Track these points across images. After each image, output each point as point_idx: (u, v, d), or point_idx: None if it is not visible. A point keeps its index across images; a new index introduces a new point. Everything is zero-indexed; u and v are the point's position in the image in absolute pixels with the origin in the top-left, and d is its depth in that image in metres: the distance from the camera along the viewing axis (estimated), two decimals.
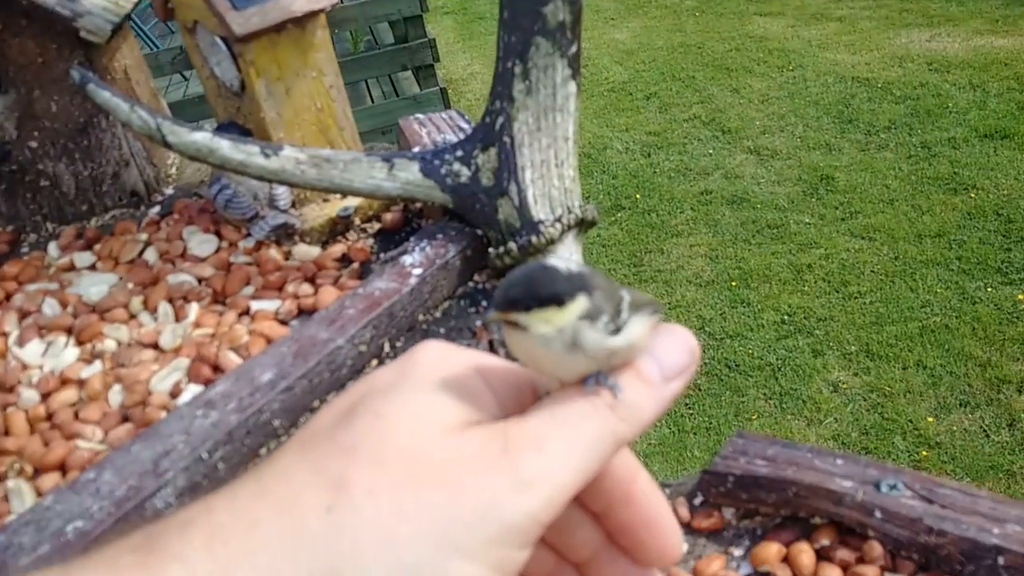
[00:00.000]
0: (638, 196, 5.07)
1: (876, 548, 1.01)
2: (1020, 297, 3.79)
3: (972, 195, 4.52)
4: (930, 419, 3.35)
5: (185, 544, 0.37)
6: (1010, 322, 3.69)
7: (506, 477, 0.39)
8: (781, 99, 5.88)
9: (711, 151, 5.41)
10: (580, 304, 0.43)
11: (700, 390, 3.67)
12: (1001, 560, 0.92)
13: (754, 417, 3.50)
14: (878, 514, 1.01)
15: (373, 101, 6.22)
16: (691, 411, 3.57)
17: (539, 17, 1.15)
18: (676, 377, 0.46)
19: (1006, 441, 3.21)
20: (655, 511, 0.48)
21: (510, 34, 1.18)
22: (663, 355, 0.46)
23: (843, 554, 1.03)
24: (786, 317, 3.98)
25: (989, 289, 3.89)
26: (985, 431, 3.27)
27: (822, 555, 1.05)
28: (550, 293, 0.43)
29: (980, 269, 4.01)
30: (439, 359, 0.45)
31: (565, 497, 0.40)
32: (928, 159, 4.91)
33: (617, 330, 0.44)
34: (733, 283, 4.23)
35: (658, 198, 5.03)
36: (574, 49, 1.19)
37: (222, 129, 1.38)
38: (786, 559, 1.05)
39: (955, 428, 3.30)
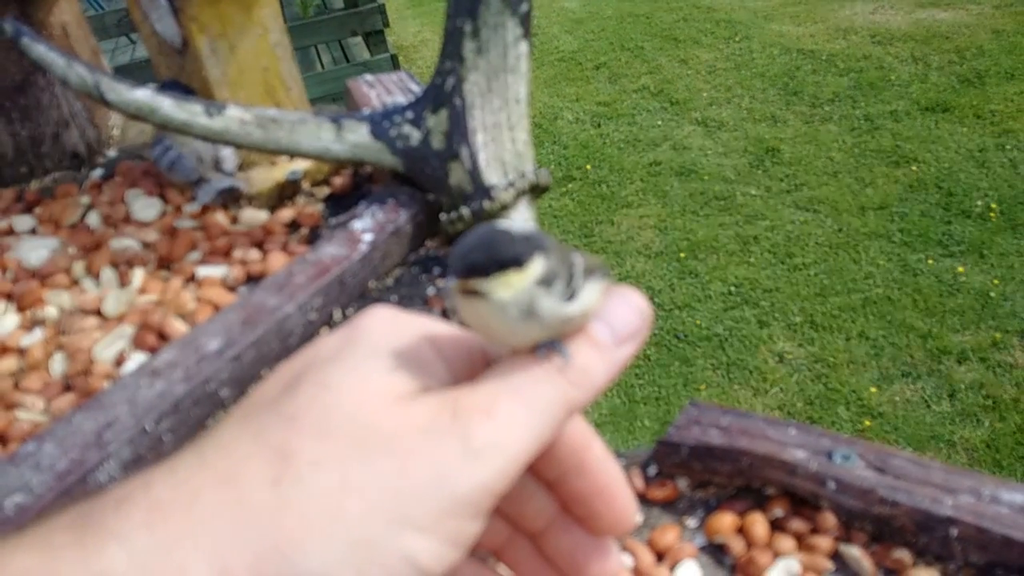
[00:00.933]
0: (588, 167, 5.06)
1: (830, 519, 1.01)
2: (960, 269, 3.87)
3: (914, 168, 4.59)
4: (873, 389, 3.41)
5: (123, 521, 0.35)
6: (950, 294, 3.77)
7: (457, 446, 0.38)
8: (728, 70, 5.90)
9: (660, 122, 5.42)
10: (538, 265, 0.42)
11: (649, 360, 3.70)
12: (954, 531, 0.93)
13: (702, 387, 3.53)
14: (831, 485, 1.01)
15: (323, 67, 6.12)
16: (641, 381, 3.59)
17: None
18: (628, 341, 0.45)
19: (946, 411, 3.28)
20: (609, 479, 0.48)
21: None
22: (614, 319, 0.45)
23: (797, 525, 1.03)
24: (733, 288, 4.02)
25: (930, 261, 3.96)
26: (926, 401, 3.34)
27: (776, 526, 1.05)
28: (511, 255, 0.42)
29: (921, 241, 4.09)
30: (387, 325, 0.44)
31: (518, 466, 0.40)
32: (871, 132, 4.97)
33: (571, 296, 0.44)
34: (681, 254, 4.25)
35: (608, 169, 5.03)
36: (525, 7, 1.16)
37: (164, 88, 1.32)
38: (740, 530, 1.05)
39: (897, 398, 3.37)
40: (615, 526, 0.48)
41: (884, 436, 3.22)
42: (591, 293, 0.44)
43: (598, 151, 5.21)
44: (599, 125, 5.50)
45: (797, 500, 1.06)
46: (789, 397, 3.46)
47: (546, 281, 0.43)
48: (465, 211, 1.23)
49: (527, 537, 0.50)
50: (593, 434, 0.48)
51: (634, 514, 0.49)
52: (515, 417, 0.40)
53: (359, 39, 6.02)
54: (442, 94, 1.21)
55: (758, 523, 1.05)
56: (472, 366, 0.45)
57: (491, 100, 1.20)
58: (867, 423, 3.28)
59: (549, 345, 0.43)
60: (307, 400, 0.40)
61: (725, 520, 1.05)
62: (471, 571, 0.46)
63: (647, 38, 6.57)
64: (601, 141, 5.32)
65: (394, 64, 5.49)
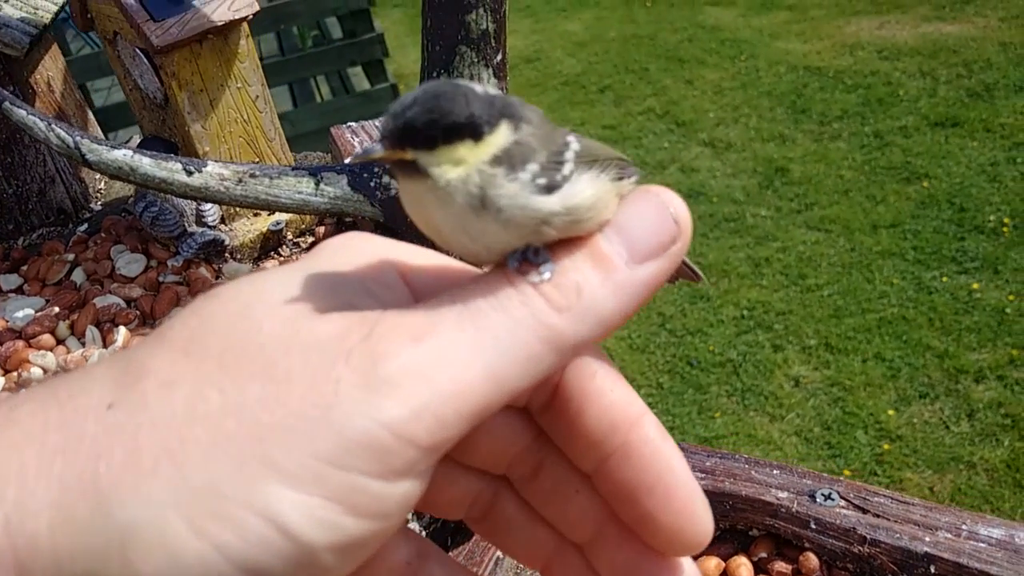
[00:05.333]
0: None
1: (812, 559, 1.00)
2: (975, 286, 3.83)
3: (925, 184, 4.55)
4: (891, 412, 3.36)
5: None
6: (966, 312, 3.72)
7: (355, 372, 0.29)
8: (734, 90, 5.89)
9: (666, 144, 5.41)
10: (502, 135, 0.32)
11: (662, 388, 3.67)
12: (932, 569, 0.92)
13: (717, 415, 3.50)
14: (813, 525, 1.00)
15: (322, 98, 6.14)
16: (654, 410, 3.49)
17: (462, 26, 1.13)
18: (651, 257, 0.33)
19: (965, 432, 3.23)
20: (665, 469, 0.35)
21: (434, 43, 1.16)
22: (632, 226, 0.33)
23: (780, 566, 1.03)
24: (745, 312, 3.99)
25: (945, 279, 3.92)
26: (945, 423, 3.29)
27: (760, 567, 1.05)
28: (464, 117, 0.31)
29: (935, 259, 4.04)
30: (345, 245, 0.35)
31: (456, 411, 0.29)
32: (881, 148, 4.94)
33: (551, 187, 0.32)
34: None
35: None
36: (499, 58, 1.16)
37: (145, 144, 1.34)
38: (725, 573, 1.05)
39: (915, 420, 3.32)
40: (677, 536, 0.36)
41: (903, 460, 3.17)
42: (587, 187, 0.33)
43: None
44: None
45: (781, 541, 1.06)
46: (806, 422, 3.41)
47: (509, 161, 0.32)
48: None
49: (577, 550, 0.39)
50: (644, 407, 0.36)
51: (704, 521, 0.36)
52: (456, 345, 0.30)
53: (359, 69, 6.02)
54: None
55: (742, 566, 1.05)
56: None
57: None
58: (886, 447, 3.24)
59: (522, 254, 0.33)
60: (187, 313, 0.32)
61: (710, 564, 1.05)
62: None
63: (651, 59, 6.58)
64: None
65: (395, 94, 5.51)
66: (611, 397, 0.35)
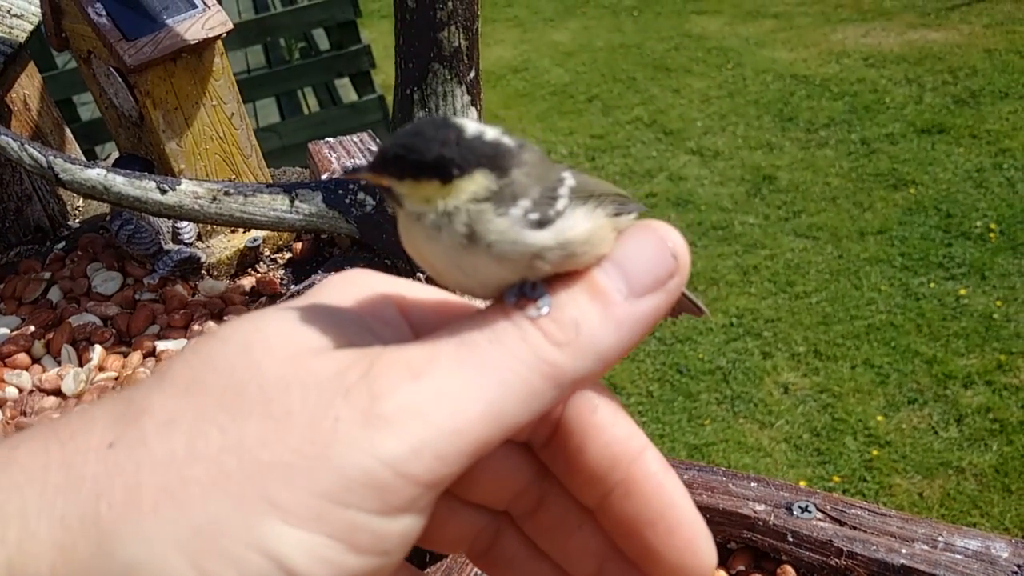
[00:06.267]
0: None
1: (789, 572, 1.00)
2: (962, 292, 3.83)
3: (912, 191, 4.57)
4: (880, 418, 3.37)
5: None
6: (954, 317, 3.73)
7: (355, 409, 0.29)
8: (721, 98, 5.91)
9: (654, 153, 5.42)
10: (477, 184, 0.32)
11: (652, 396, 3.67)
12: None
13: (707, 422, 3.50)
14: (790, 538, 1.00)
15: (310, 110, 6.14)
16: (644, 419, 3.56)
17: (434, 43, 1.13)
18: (650, 292, 0.33)
19: (954, 437, 3.23)
20: (668, 503, 0.36)
21: (407, 60, 1.16)
22: (630, 260, 0.34)
23: None
24: (735, 320, 3.99)
25: (932, 285, 3.92)
26: (934, 428, 3.29)
27: None
28: (434, 159, 0.31)
29: (922, 265, 4.05)
30: (347, 282, 0.35)
31: (455, 448, 0.29)
32: (868, 155, 4.95)
33: (543, 222, 0.32)
34: None
35: None
36: (472, 75, 1.17)
37: (121, 162, 1.33)
38: None
39: (904, 426, 3.32)
40: (682, 572, 0.36)
41: (892, 465, 3.18)
42: (583, 221, 0.33)
43: None
44: (593, 158, 5.51)
45: (759, 554, 1.05)
46: (795, 429, 3.41)
47: (499, 197, 0.32)
48: (422, 277, 1.23)
49: None
50: (645, 441, 0.37)
51: (709, 556, 0.37)
52: (455, 381, 0.30)
53: (346, 81, 6.01)
54: None
55: None
56: None
57: None
58: (875, 452, 3.24)
59: (520, 290, 0.32)
60: (187, 353, 0.31)
61: None
62: None
63: (639, 68, 6.60)
64: (597, 174, 5.30)
65: (382, 105, 5.50)
66: (613, 432, 0.36)
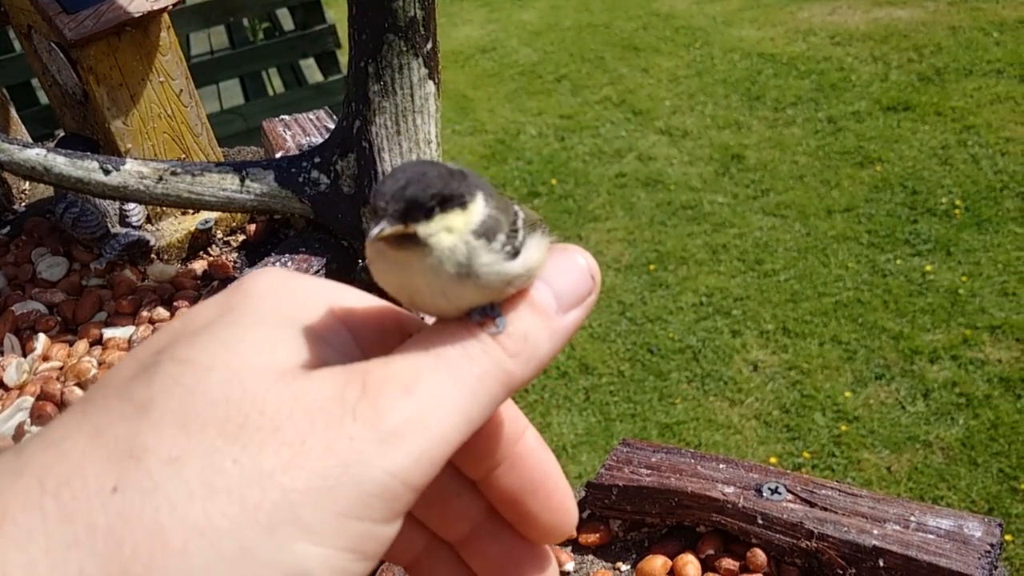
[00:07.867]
0: (554, 181, 5.03)
1: (760, 555, 0.98)
2: (928, 268, 3.85)
3: (878, 168, 4.57)
4: (848, 393, 3.38)
5: None
6: (920, 294, 3.74)
7: (365, 428, 0.31)
8: (689, 78, 5.89)
9: (624, 133, 5.39)
10: (479, 207, 0.36)
11: (624, 376, 3.66)
12: (881, 562, 0.89)
13: (678, 401, 3.49)
14: (760, 520, 0.97)
15: (275, 91, 6.03)
16: (616, 398, 3.55)
17: (388, 13, 1.08)
18: (574, 306, 0.39)
19: (921, 411, 3.25)
20: (545, 474, 0.41)
21: (360, 32, 1.11)
22: (559, 281, 0.39)
23: (728, 563, 1.00)
24: (704, 298, 3.98)
25: (899, 261, 3.94)
26: (901, 403, 3.31)
27: (707, 565, 1.02)
28: (452, 190, 0.35)
29: (889, 242, 4.06)
30: (277, 288, 0.36)
31: (442, 453, 0.32)
32: (834, 133, 4.95)
33: (515, 253, 0.37)
34: (651, 266, 4.21)
35: (574, 183, 4.99)
36: (429, 46, 1.12)
37: (64, 142, 1.28)
38: (672, 571, 1.02)
39: (872, 401, 3.34)
40: (553, 530, 0.42)
41: (861, 440, 3.19)
42: (535, 250, 0.38)
43: (563, 165, 5.18)
44: (563, 139, 5.47)
45: (729, 537, 1.03)
46: (765, 406, 3.42)
47: (486, 233, 0.36)
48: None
49: (448, 547, 0.43)
50: (526, 421, 0.41)
51: (574, 515, 0.42)
52: (440, 393, 0.33)
53: (311, 61, 5.91)
54: (350, 137, 1.17)
55: (689, 564, 1.02)
56: (385, 339, 0.38)
57: (400, 142, 1.16)
58: (844, 428, 3.25)
59: (483, 310, 0.36)
60: (165, 382, 0.31)
61: (656, 563, 1.02)
62: None
63: (607, 48, 6.55)
64: (565, 155, 5.28)
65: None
66: (504, 414, 0.40)
